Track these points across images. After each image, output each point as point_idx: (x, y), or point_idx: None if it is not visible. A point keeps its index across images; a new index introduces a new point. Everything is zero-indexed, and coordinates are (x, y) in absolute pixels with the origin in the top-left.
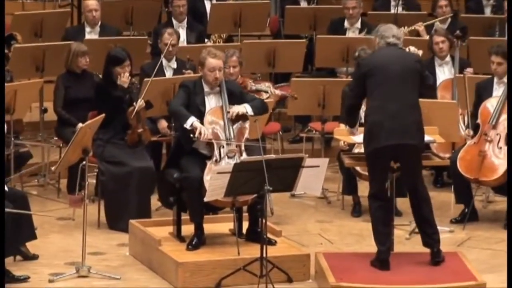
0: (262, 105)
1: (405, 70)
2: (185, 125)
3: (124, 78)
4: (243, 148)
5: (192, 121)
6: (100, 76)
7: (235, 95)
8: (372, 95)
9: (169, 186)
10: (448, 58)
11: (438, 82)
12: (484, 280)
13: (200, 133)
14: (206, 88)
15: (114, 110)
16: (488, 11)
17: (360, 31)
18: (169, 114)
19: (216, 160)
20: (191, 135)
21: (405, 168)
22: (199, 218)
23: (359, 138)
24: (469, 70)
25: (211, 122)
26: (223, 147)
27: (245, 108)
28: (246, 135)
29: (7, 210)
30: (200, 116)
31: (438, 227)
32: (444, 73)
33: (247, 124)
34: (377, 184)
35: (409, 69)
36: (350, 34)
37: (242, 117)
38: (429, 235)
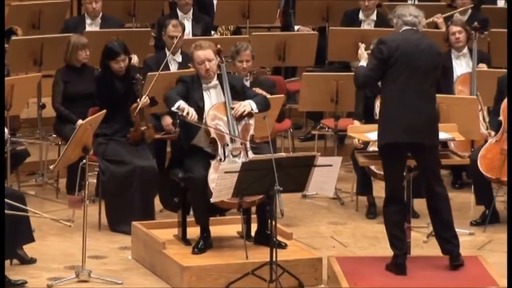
0: (265, 101)
1: (429, 63)
2: (172, 108)
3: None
4: (248, 145)
5: (179, 103)
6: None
7: (237, 90)
8: (391, 84)
9: (173, 186)
10: (465, 50)
11: (455, 75)
12: (505, 285)
13: (187, 113)
14: (203, 83)
15: (117, 102)
16: (502, 3)
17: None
18: (164, 101)
19: (220, 159)
20: (178, 114)
21: (423, 168)
22: (205, 219)
23: (374, 135)
24: (481, 65)
25: (214, 118)
26: (227, 145)
27: (250, 105)
28: (251, 131)
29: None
30: (199, 112)
31: (458, 230)
32: (461, 66)
33: (251, 121)
34: (394, 183)
35: (433, 62)
36: (365, 26)
37: (247, 114)
38: (448, 240)
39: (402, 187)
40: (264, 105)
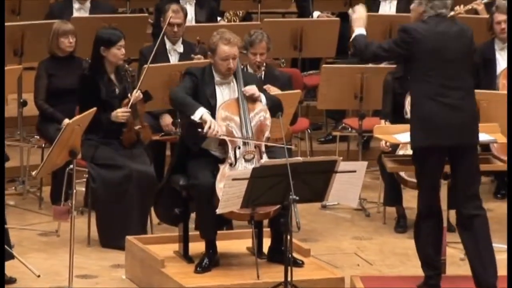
0: (278, 102)
1: (464, 51)
2: (192, 117)
3: (119, 114)
4: (263, 149)
5: (202, 112)
6: (89, 60)
7: None
8: (424, 78)
9: (174, 195)
10: None
11: (498, 69)
12: None
13: (210, 128)
14: (217, 77)
15: (103, 109)
16: None
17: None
18: (171, 103)
19: (231, 164)
20: (199, 130)
21: (459, 177)
22: (211, 234)
23: (404, 137)
24: None
25: (225, 118)
26: (239, 147)
27: (260, 96)
28: (267, 133)
29: None
30: (210, 110)
31: (498, 245)
32: (505, 58)
33: (268, 121)
34: (430, 193)
35: (467, 49)
36: (386, 6)
37: (253, 99)
38: (483, 267)
39: (439, 198)
40: (274, 105)
